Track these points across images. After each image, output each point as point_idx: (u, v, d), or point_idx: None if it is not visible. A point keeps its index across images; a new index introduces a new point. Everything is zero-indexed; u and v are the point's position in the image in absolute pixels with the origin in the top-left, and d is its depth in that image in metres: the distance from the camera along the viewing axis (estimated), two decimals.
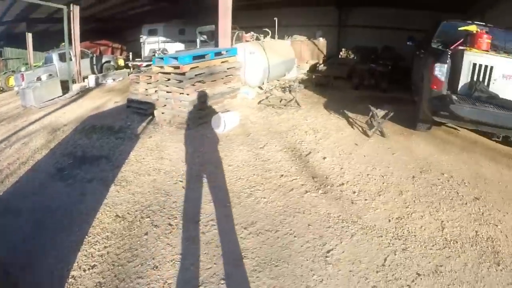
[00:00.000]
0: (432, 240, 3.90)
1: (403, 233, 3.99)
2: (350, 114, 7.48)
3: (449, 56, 5.67)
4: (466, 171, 5.35)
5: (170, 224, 3.96)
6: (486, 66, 5.51)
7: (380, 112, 6.46)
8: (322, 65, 12.94)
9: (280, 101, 8.47)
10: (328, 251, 3.59)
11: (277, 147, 6.02)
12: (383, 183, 4.96)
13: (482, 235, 3.99)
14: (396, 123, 6.96)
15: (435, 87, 5.73)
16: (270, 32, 11.04)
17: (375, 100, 8.03)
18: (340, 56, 14.58)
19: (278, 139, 6.33)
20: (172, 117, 6.79)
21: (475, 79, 5.58)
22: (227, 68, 7.89)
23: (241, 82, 9.01)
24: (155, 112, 7.07)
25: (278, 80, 10.46)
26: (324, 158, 5.63)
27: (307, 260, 3.47)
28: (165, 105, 6.91)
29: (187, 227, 3.90)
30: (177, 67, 6.71)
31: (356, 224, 4.08)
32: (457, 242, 3.87)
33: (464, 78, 5.68)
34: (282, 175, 5.12)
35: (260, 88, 9.46)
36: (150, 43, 17.49)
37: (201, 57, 7.43)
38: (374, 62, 10.61)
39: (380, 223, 4.14)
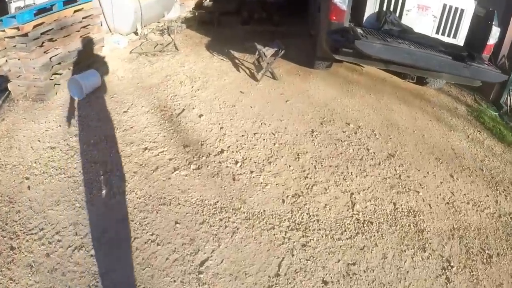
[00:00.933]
0: (340, 224, 2.92)
1: (303, 218, 2.96)
2: (236, 55, 6.17)
3: None
4: (375, 118, 4.46)
5: (12, 248, 2.79)
6: None
7: (269, 51, 5.20)
8: (208, 0, 11.25)
9: (155, 47, 6.83)
10: (202, 263, 2.58)
11: (144, 108, 4.54)
12: (274, 144, 3.79)
13: (402, 208, 3.14)
14: (291, 62, 5.83)
15: (334, 18, 4.65)
16: None
17: (267, 35, 6.84)
18: None
19: (147, 96, 4.84)
20: (27, 88, 5.41)
21: (384, 8, 4.66)
22: (83, 18, 6.22)
23: (111, 30, 7.31)
24: (9, 85, 5.50)
25: (159, 22, 8.68)
26: (200, 116, 4.26)
27: (175, 281, 2.46)
28: (19, 76, 5.38)
29: (30, 248, 2.77)
30: (19, 28, 5.09)
31: (238, 212, 2.99)
32: (372, 224, 2.93)
33: (371, 8, 4.71)
34: (146, 149, 3.73)
35: (136, 34, 7.71)
36: (16, 1, 14.23)
37: (47, 10, 5.74)
38: None
39: (271, 207, 3.05)
